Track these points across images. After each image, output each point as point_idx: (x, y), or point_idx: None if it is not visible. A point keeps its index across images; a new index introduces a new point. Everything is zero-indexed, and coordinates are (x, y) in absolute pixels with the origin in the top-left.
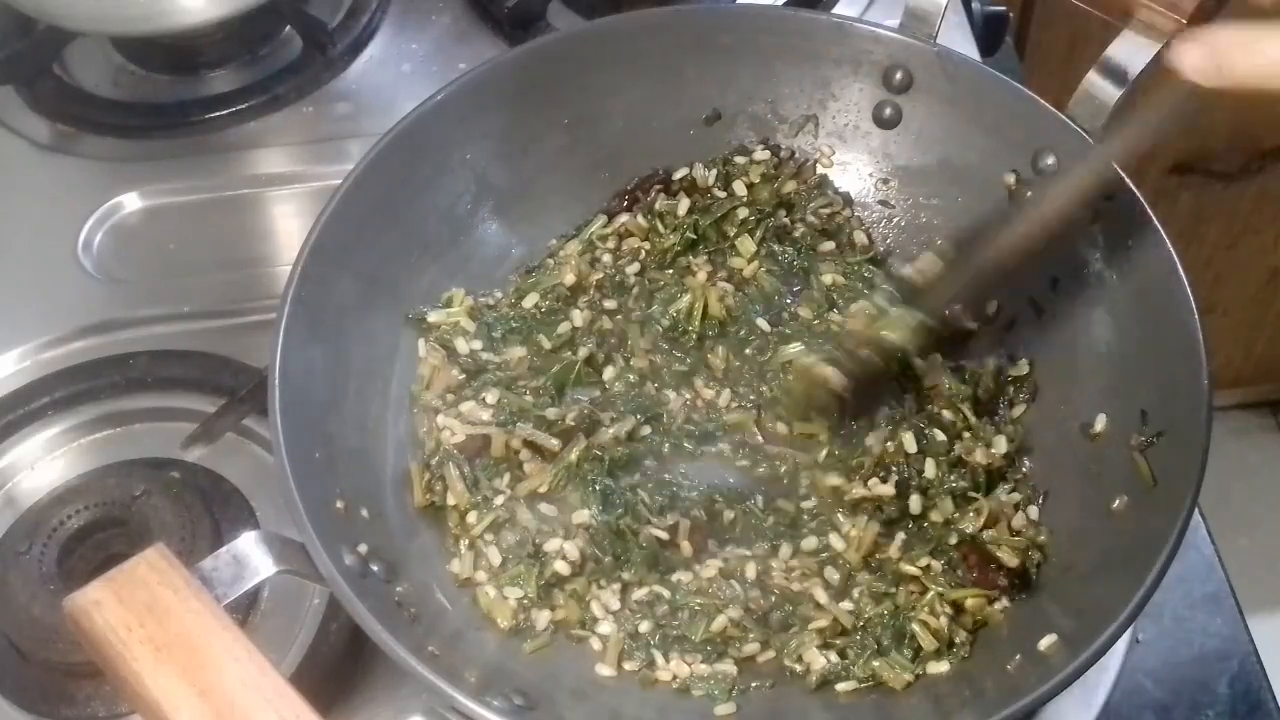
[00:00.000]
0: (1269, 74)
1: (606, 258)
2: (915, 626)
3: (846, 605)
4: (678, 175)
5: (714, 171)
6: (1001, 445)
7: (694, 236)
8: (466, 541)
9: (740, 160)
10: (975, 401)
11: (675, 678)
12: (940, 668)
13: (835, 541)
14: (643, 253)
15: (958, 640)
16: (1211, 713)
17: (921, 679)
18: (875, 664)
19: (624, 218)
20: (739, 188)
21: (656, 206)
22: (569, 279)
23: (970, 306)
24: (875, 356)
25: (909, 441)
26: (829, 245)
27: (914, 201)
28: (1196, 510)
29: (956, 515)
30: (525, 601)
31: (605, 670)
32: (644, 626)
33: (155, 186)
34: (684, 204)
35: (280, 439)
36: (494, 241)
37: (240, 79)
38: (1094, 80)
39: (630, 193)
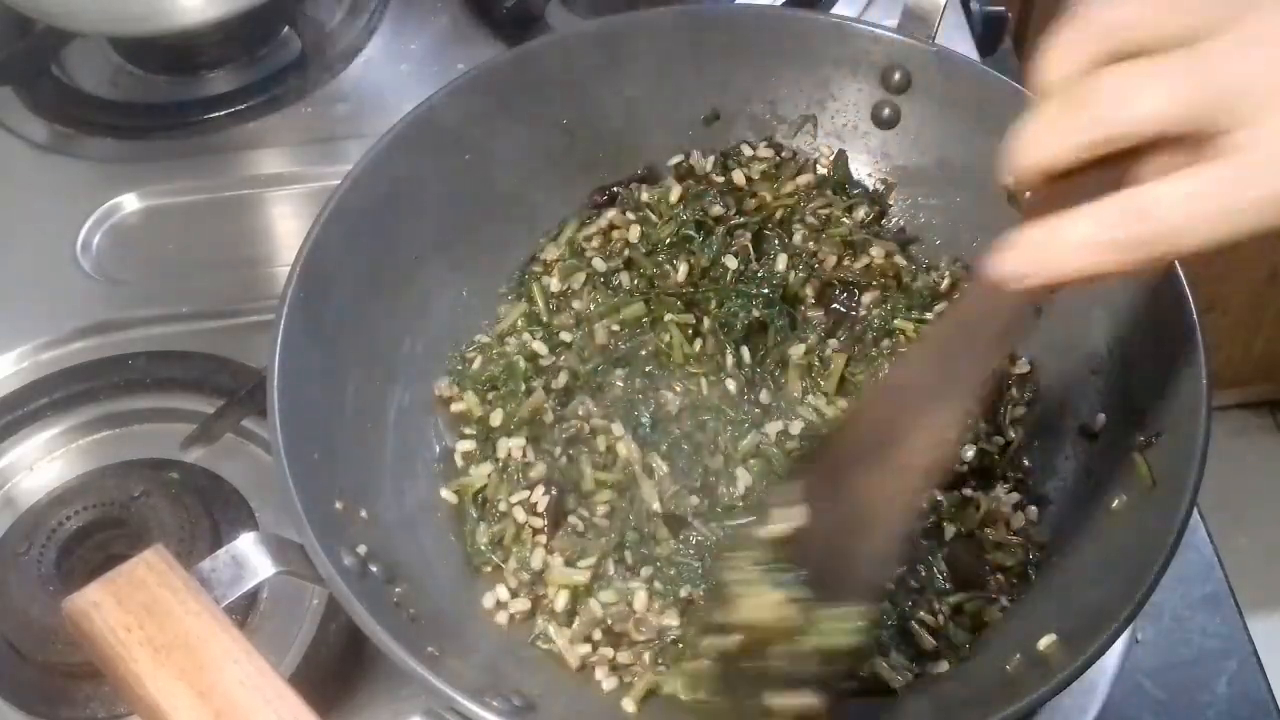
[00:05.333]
0: (1077, 264)
1: (597, 260)
2: (915, 626)
3: None
4: (672, 162)
5: (712, 159)
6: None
7: (691, 231)
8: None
9: (746, 151)
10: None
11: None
12: (940, 668)
13: None
14: (626, 247)
15: (957, 640)
16: (1211, 713)
17: (921, 679)
18: (875, 664)
19: (611, 213)
20: (739, 177)
21: (643, 197)
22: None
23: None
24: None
25: None
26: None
27: (913, 202)
28: (1196, 510)
29: (957, 511)
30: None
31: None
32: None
33: (154, 187)
34: (675, 190)
35: (279, 440)
36: (494, 241)
37: (239, 79)
38: None
39: (608, 189)
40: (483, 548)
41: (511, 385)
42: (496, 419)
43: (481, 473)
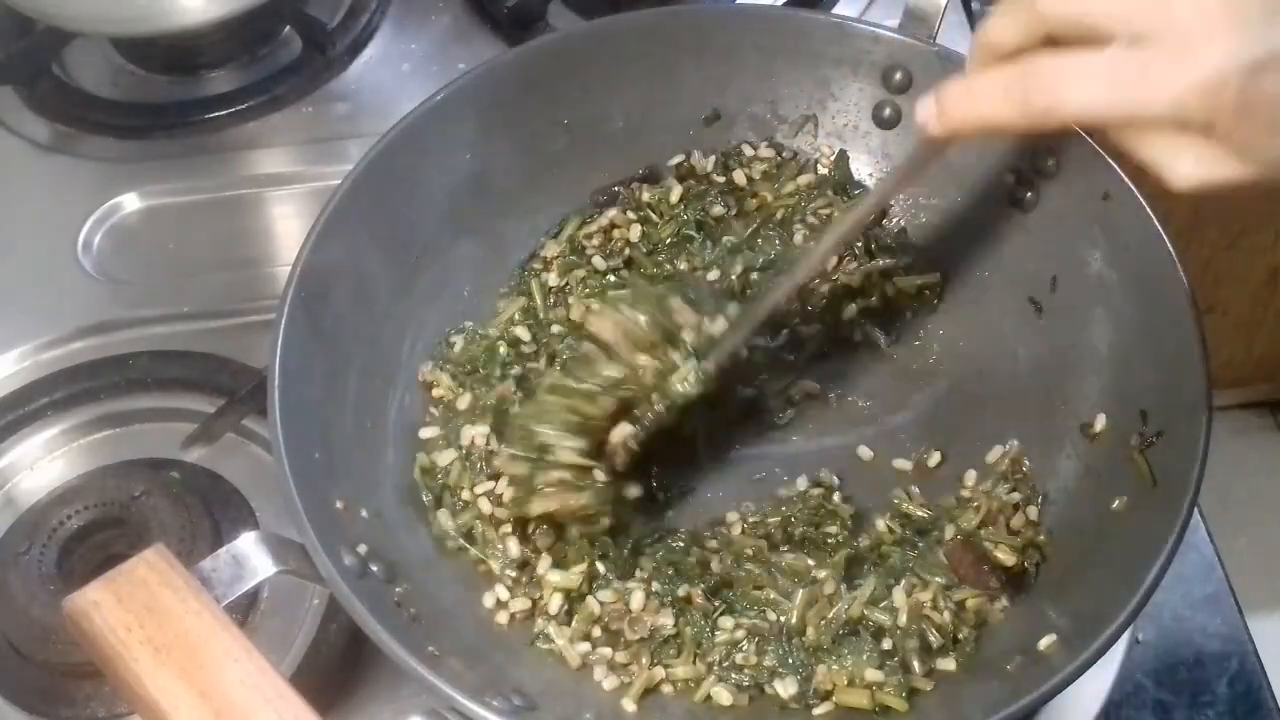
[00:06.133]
0: (977, 120)
1: (597, 259)
2: (924, 624)
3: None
4: (673, 162)
5: (713, 159)
6: None
7: (692, 231)
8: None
9: (747, 152)
10: None
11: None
12: (948, 665)
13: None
14: (627, 247)
15: (961, 636)
16: (1211, 713)
17: (929, 675)
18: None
19: (612, 212)
20: (740, 177)
21: (644, 197)
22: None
23: None
24: (666, 412)
25: None
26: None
27: (913, 202)
28: (1196, 510)
29: (957, 511)
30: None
31: (608, 684)
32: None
33: (155, 186)
34: (676, 191)
35: (280, 439)
36: (494, 241)
37: (240, 79)
38: None
39: (608, 189)
40: (450, 531)
41: (488, 369)
42: (464, 402)
43: (444, 459)
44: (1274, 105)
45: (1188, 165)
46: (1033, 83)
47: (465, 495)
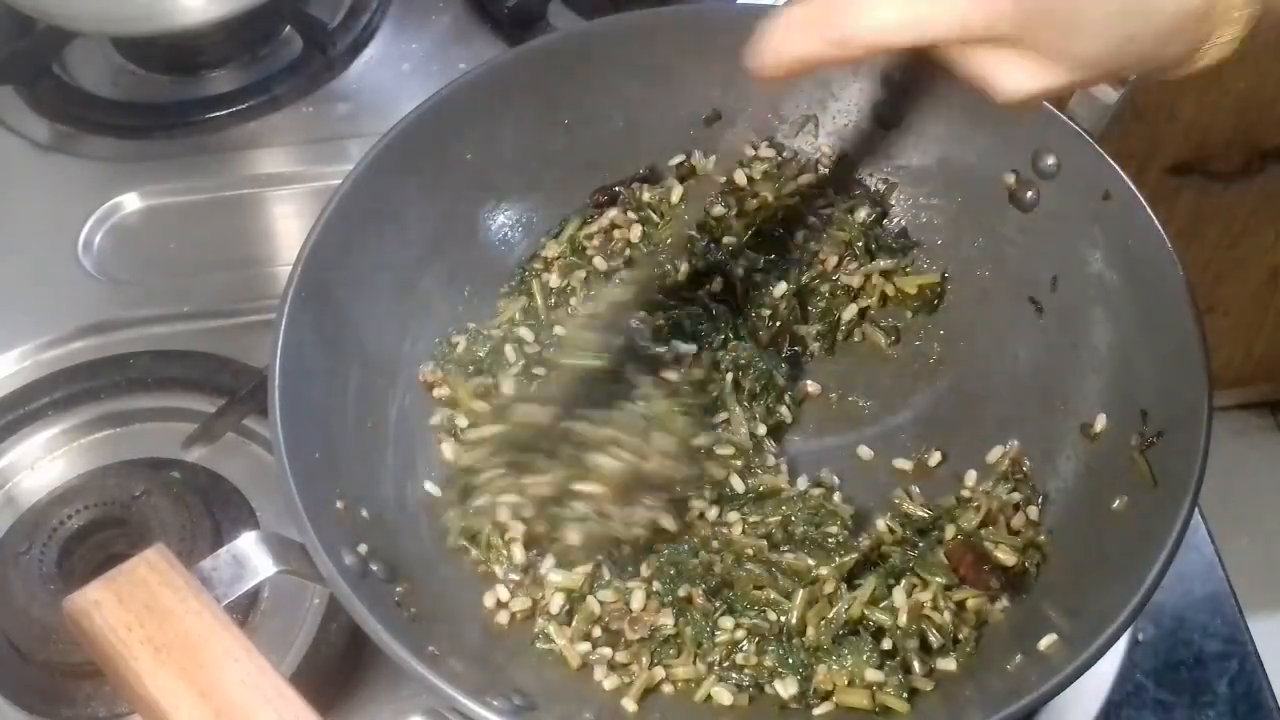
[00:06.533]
0: (791, 59)
1: (598, 260)
2: (924, 624)
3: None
4: (673, 162)
5: (713, 159)
6: None
7: (692, 232)
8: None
9: (747, 152)
10: None
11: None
12: (948, 665)
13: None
14: (627, 247)
15: (961, 636)
16: (1212, 713)
17: (930, 675)
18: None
19: (612, 212)
20: (740, 177)
21: (645, 197)
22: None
23: None
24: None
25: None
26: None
27: (914, 202)
28: (1196, 510)
29: (958, 510)
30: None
31: (609, 684)
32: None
33: (155, 186)
34: (677, 190)
35: (280, 439)
36: (495, 241)
37: (240, 79)
38: None
39: (609, 188)
40: (457, 530)
41: (495, 371)
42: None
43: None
44: (1061, 5)
45: (1008, 79)
46: (828, 12)
47: (483, 500)
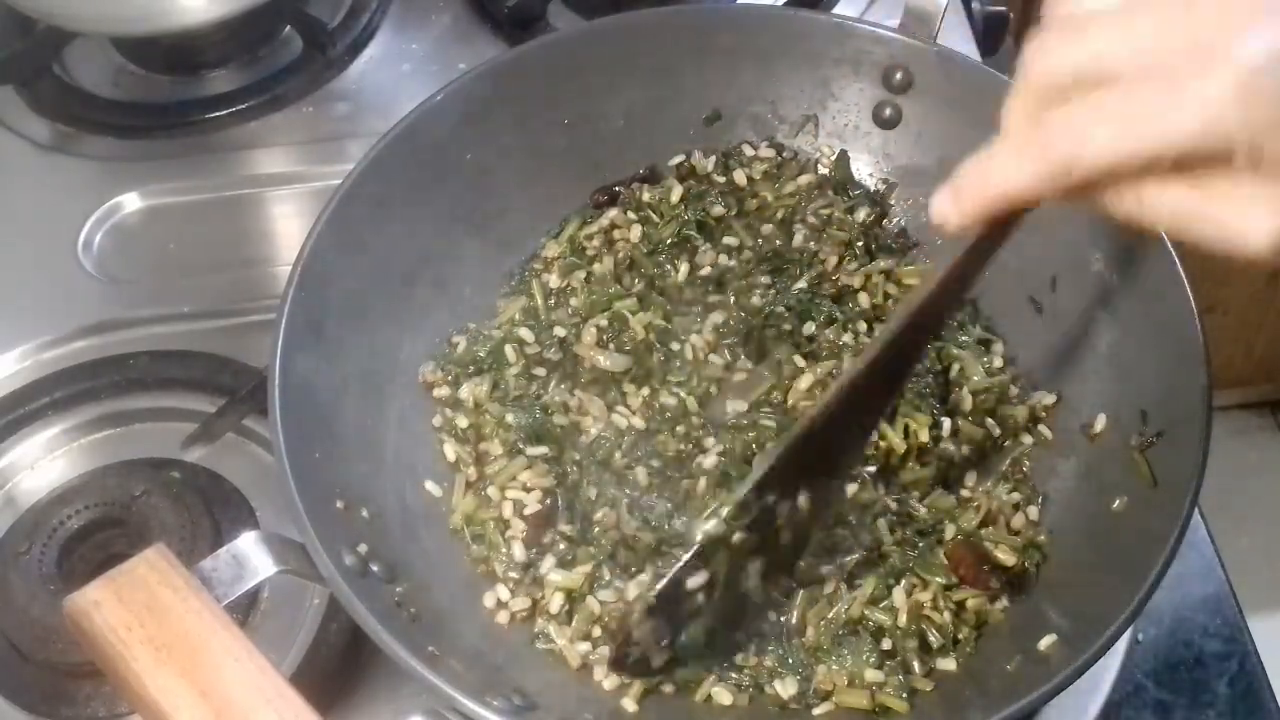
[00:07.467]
0: (996, 197)
1: (600, 261)
2: (923, 624)
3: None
4: (674, 161)
5: (713, 159)
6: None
7: (692, 232)
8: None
9: (747, 152)
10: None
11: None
12: (948, 665)
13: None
14: (626, 247)
15: (961, 636)
16: (1212, 713)
17: (929, 675)
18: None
19: (612, 212)
20: (740, 177)
21: (645, 197)
22: (554, 281)
23: None
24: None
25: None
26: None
27: (914, 202)
28: (1196, 510)
29: (958, 510)
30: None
31: (609, 684)
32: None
33: (155, 186)
34: (677, 190)
35: (280, 439)
36: (495, 241)
37: (240, 79)
38: None
39: (610, 188)
40: (460, 523)
41: (496, 371)
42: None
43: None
44: None
45: (1261, 216)
46: (1044, 139)
47: (491, 492)
